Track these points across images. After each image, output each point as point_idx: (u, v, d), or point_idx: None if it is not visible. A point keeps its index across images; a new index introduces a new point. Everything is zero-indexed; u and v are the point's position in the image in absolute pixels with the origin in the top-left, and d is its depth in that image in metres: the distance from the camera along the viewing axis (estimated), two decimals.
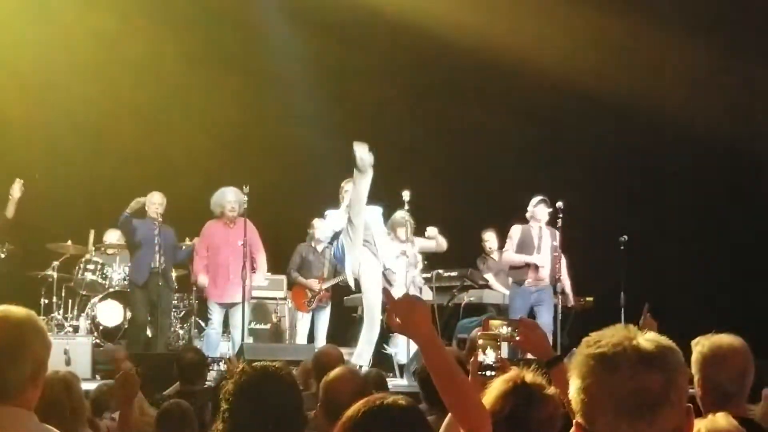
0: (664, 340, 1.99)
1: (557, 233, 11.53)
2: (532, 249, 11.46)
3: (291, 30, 14.58)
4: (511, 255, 11.56)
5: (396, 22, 13.74)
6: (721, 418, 3.36)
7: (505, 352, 9.66)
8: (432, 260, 12.97)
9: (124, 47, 13.85)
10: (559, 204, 11.49)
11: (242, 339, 11.15)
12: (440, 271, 13.06)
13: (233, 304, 11.45)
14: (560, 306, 11.56)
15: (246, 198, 11.16)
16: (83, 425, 4.38)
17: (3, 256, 11.81)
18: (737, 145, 13.40)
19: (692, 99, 13.44)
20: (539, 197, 11.49)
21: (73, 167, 13.34)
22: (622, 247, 12.01)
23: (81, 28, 13.44)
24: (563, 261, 11.54)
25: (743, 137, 13.37)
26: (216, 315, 11.62)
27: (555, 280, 11.46)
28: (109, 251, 12.82)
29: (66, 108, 13.50)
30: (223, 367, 9.53)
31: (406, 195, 11.25)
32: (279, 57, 14.61)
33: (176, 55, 13.92)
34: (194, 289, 12.51)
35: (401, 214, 11.39)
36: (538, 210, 11.45)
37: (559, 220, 11.51)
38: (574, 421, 2.00)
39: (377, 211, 10.99)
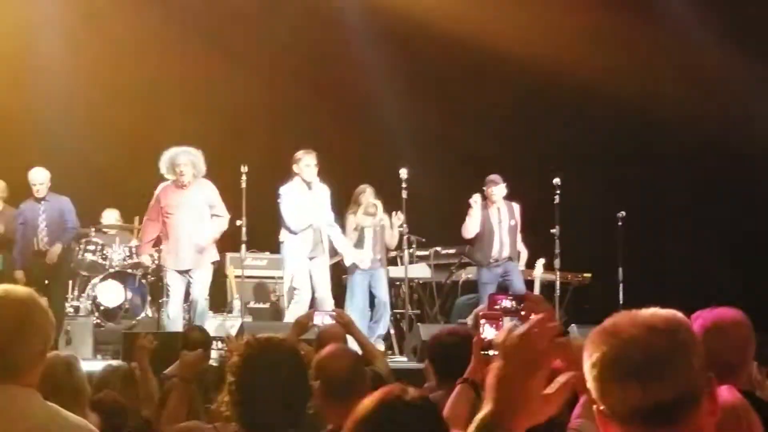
0: (671, 313, 2.00)
1: (515, 207, 11.54)
2: (492, 233, 11.41)
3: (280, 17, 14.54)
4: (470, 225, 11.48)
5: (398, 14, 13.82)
6: (725, 391, 3.37)
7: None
8: (430, 238, 12.99)
9: (112, 26, 13.84)
10: (556, 180, 11.50)
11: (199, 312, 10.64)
12: (438, 248, 13.08)
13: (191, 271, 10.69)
14: (558, 282, 11.58)
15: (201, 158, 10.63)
16: (84, 407, 4.37)
17: None
18: (733, 122, 13.41)
19: (685, 78, 13.49)
20: (491, 177, 11.47)
21: (70, 152, 13.27)
22: (619, 223, 12.02)
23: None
24: (518, 235, 11.62)
25: (739, 114, 13.40)
26: (176, 285, 10.73)
27: (516, 252, 11.58)
28: (110, 232, 12.79)
29: (58, 90, 13.46)
30: (221, 345, 9.50)
31: (403, 173, 11.25)
32: (272, 43, 14.58)
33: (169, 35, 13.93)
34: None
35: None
36: (491, 192, 11.43)
37: (556, 196, 11.51)
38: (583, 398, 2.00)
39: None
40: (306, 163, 10.70)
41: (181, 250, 10.54)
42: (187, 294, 10.77)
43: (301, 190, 10.75)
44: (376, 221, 11.32)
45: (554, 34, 13.66)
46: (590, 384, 1.99)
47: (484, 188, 11.47)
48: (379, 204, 11.30)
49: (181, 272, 10.65)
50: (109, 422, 4.59)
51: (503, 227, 11.42)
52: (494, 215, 11.45)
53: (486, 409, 1.96)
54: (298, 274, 10.76)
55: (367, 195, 11.33)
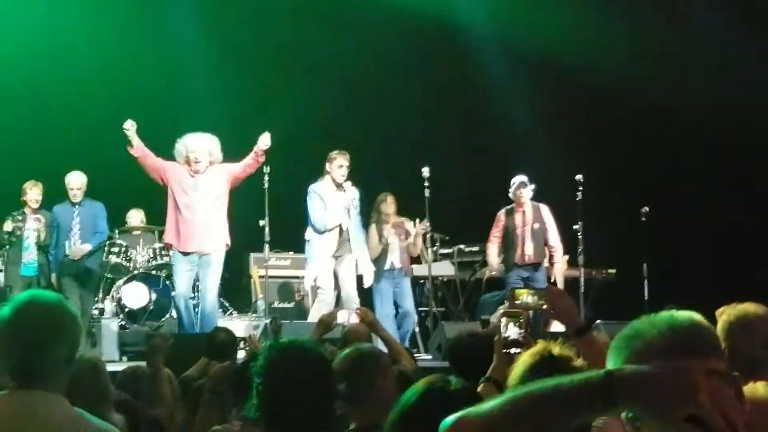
0: (689, 314, 1.96)
1: (543, 209, 11.37)
2: (516, 238, 11.24)
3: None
4: (492, 258, 11.49)
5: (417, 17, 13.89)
6: (762, 387, 3.35)
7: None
8: (453, 236, 12.98)
9: (133, 29, 13.97)
10: (579, 176, 11.44)
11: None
12: (461, 246, 13.09)
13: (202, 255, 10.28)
14: (582, 278, 11.54)
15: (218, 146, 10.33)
16: (110, 409, 4.40)
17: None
18: (760, 117, 13.35)
19: (709, 73, 13.46)
20: (518, 179, 11.26)
21: (95, 152, 13.35)
22: (643, 219, 11.97)
23: None
24: (551, 234, 11.40)
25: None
26: (183, 271, 10.34)
27: (543, 256, 11.39)
28: (134, 233, 12.83)
29: (83, 92, 13.57)
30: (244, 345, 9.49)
31: (425, 171, 11.24)
32: (293, 45, 14.66)
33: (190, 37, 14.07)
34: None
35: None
36: (519, 194, 11.25)
37: (579, 193, 11.46)
38: None
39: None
40: (339, 163, 10.59)
41: (193, 234, 10.21)
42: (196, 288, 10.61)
43: (329, 189, 10.66)
44: (403, 243, 11.36)
45: (574, 31, 13.64)
46: None
47: (511, 190, 11.31)
48: (412, 229, 11.34)
49: (189, 259, 10.29)
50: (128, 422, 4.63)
51: (527, 231, 11.27)
52: (519, 219, 11.31)
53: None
54: (323, 272, 10.72)
55: (388, 204, 11.34)
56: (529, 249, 11.25)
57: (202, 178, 10.22)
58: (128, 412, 4.71)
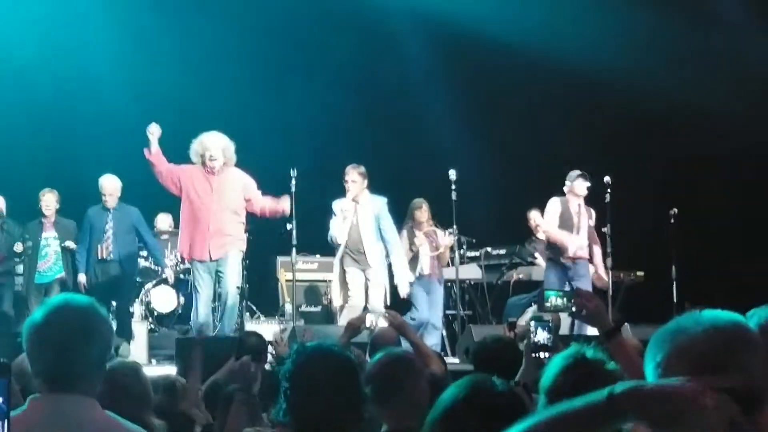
0: (733, 315, 2.00)
1: (592, 212, 11.31)
2: (572, 227, 11.09)
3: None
4: (554, 229, 11.10)
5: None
6: None
7: (566, 326, 9.61)
8: (480, 238, 12.96)
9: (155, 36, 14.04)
10: (607, 179, 11.38)
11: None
12: (488, 249, 13.06)
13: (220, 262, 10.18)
14: (611, 281, 11.46)
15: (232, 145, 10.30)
16: (150, 411, 4.43)
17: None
18: None
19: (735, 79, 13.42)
20: (578, 171, 11.10)
21: (124, 157, 13.42)
22: (672, 221, 11.91)
23: None
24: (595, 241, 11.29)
25: None
26: (204, 280, 10.25)
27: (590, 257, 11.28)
28: (162, 237, 12.88)
29: (111, 100, 13.66)
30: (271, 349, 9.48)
31: (452, 174, 11.23)
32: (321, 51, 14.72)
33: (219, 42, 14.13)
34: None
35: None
36: (577, 185, 11.04)
37: (607, 195, 11.39)
38: None
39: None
40: (351, 178, 10.64)
41: (207, 240, 10.11)
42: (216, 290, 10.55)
43: (347, 205, 10.75)
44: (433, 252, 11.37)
45: (603, 37, 13.62)
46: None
47: (569, 182, 11.10)
48: (442, 238, 11.33)
49: (206, 266, 10.21)
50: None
51: (583, 224, 11.15)
52: (575, 209, 11.14)
53: None
54: (353, 278, 10.80)
55: (423, 212, 11.38)
56: (584, 243, 11.13)
57: (216, 181, 10.16)
58: (167, 417, 4.72)
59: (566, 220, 11.11)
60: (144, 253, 12.22)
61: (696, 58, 13.85)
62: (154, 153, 10.11)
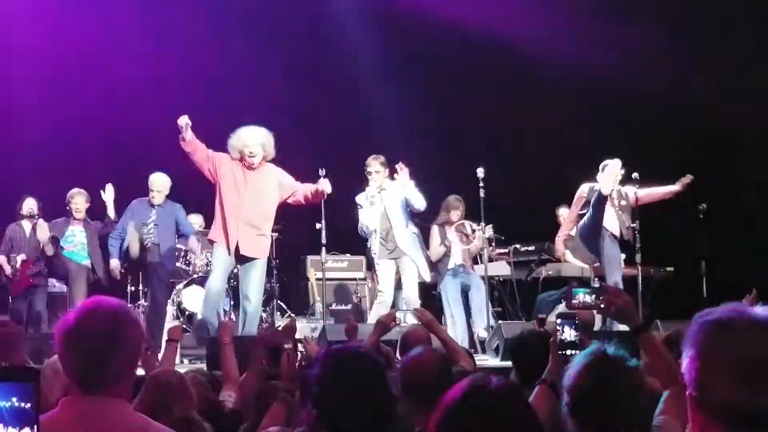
0: None
1: (630, 191, 11.12)
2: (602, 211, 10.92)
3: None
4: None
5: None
6: None
7: (598, 321, 9.57)
8: (509, 235, 12.95)
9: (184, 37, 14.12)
10: (635, 175, 11.32)
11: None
12: (517, 245, 13.03)
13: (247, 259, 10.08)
14: (640, 277, 11.39)
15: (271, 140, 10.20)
16: (193, 407, 4.48)
17: None
18: None
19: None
20: (608, 160, 10.97)
21: (155, 158, 13.48)
22: (701, 216, 11.85)
23: None
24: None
25: None
26: (221, 259, 10.15)
27: (622, 237, 11.17)
28: None
29: (141, 103, 13.74)
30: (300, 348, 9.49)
31: (480, 172, 11.22)
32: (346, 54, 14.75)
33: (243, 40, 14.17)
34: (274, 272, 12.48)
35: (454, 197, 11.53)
36: (609, 168, 10.90)
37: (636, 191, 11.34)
38: (687, 393, 1.95)
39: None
40: (374, 169, 10.80)
41: (235, 232, 10.02)
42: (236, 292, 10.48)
43: (373, 192, 10.85)
44: (465, 245, 11.40)
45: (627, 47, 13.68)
46: (690, 377, 1.94)
47: (602, 172, 10.95)
48: (479, 233, 11.34)
49: (231, 259, 10.12)
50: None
51: (616, 208, 11.10)
52: (614, 198, 11.05)
53: None
54: (382, 275, 10.83)
55: (459, 212, 11.41)
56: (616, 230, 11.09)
57: (253, 176, 10.12)
58: (212, 419, 4.75)
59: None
60: (175, 253, 12.29)
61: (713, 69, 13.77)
62: (189, 140, 9.99)
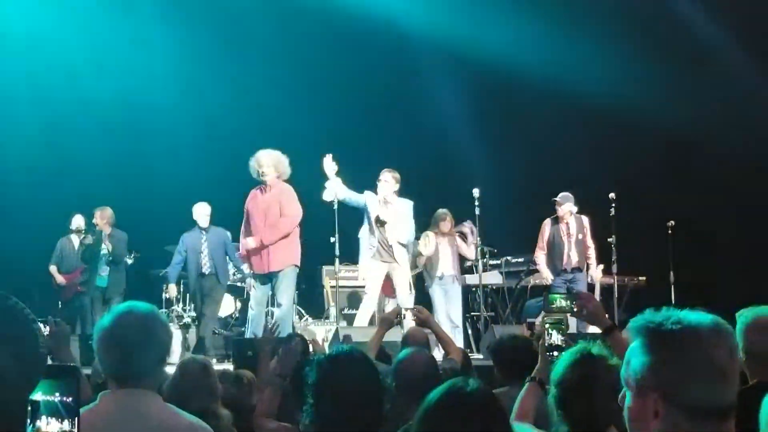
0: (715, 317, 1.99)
1: (584, 220, 11.27)
2: (562, 246, 11.17)
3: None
4: (542, 267, 11.36)
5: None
6: None
7: (573, 325, 9.54)
8: (501, 248, 12.96)
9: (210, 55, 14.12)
10: (612, 195, 11.33)
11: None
12: (509, 257, 13.09)
13: (271, 275, 9.81)
14: (616, 285, 11.43)
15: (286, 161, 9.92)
16: (218, 402, 4.45)
17: (131, 261, 12.06)
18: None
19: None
20: (559, 197, 11.19)
21: (180, 173, 13.40)
22: (669, 231, 11.86)
23: None
24: (591, 245, 11.27)
25: None
26: (256, 290, 10.10)
27: (585, 262, 11.26)
28: None
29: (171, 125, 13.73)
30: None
31: (476, 192, 11.14)
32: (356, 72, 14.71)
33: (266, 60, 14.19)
34: None
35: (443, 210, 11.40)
36: (561, 210, 11.20)
37: (612, 209, 11.32)
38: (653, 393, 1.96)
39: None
40: (384, 178, 10.32)
41: (255, 259, 9.84)
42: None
43: (375, 203, 10.37)
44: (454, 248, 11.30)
45: (613, 74, 13.63)
46: (663, 379, 1.95)
47: (556, 207, 11.24)
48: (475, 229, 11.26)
49: (260, 278, 9.95)
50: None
51: (572, 241, 11.20)
52: (563, 230, 11.25)
53: None
54: (370, 277, 10.43)
55: (447, 223, 11.30)
56: (574, 257, 11.17)
57: (264, 199, 9.85)
58: (234, 408, 4.69)
59: (556, 243, 11.24)
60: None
61: (688, 95, 13.71)
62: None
